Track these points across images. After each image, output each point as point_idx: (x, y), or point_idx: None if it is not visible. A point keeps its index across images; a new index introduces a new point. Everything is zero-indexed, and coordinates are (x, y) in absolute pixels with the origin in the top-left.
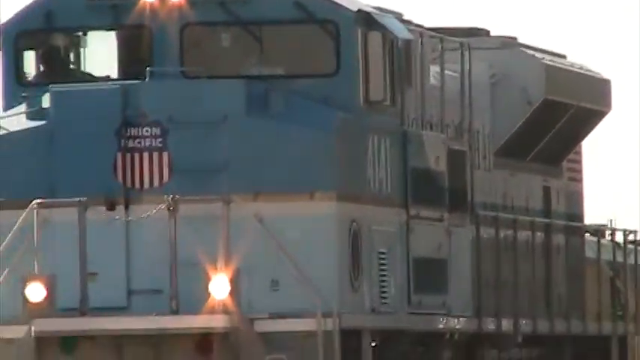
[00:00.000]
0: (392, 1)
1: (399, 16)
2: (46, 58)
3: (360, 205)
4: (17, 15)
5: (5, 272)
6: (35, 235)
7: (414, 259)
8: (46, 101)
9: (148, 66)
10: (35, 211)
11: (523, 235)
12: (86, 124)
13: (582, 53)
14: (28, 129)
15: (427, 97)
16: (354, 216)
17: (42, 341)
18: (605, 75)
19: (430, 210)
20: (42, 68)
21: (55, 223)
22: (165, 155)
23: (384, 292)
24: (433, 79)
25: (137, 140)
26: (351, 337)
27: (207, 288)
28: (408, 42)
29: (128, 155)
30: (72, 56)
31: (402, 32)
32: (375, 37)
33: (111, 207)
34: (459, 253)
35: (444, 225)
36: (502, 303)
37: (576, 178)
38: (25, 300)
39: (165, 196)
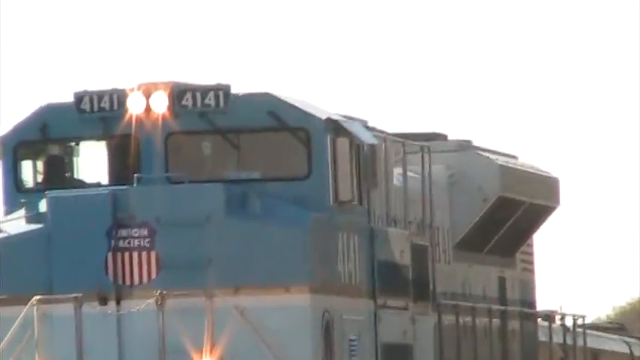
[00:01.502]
0: (357, 109)
1: (364, 123)
2: (42, 166)
3: (332, 296)
4: (15, 127)
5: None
6: (35, 329)
7: (381, 344)
8: (43, 206)
9: (136, 172)
10: (35, 306)
11: (481, 321)
12: (80, 226)
13: (532, 154)
14: (27, 232)
15: (391, 196)
16: (327, 306)
17: None
18: (554, 173)
19: (396, 299)
20: (38, 176)
21: (54, 317)
22: (153, 254)
23: None
24: (396, 180)
25: (127, 240)
26: None
27: None
28: (373, 146)
29: (118, 254)
30: (66, 164)
31: (367, 138)
32: (343, 143)
33: (103, 302)
34: (422, 338)
35: (409, 313)
36: None
37: (529, 268)
38: None
39: (154, 291)
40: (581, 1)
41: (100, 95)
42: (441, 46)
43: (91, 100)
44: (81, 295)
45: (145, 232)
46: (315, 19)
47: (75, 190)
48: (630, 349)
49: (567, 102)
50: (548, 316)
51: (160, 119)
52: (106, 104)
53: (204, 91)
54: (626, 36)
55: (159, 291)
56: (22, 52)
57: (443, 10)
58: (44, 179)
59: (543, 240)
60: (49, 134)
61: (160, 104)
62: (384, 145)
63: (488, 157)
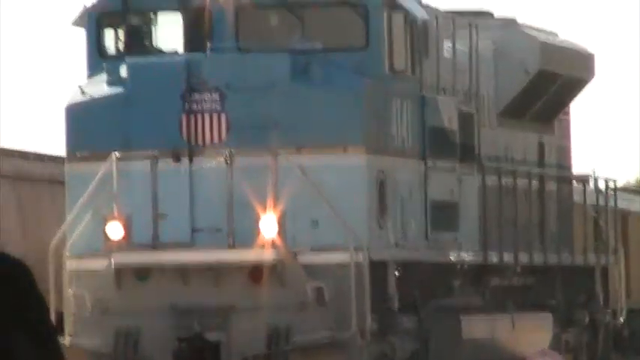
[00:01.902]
0: None
1: (418, 0)
2: (123, 35)
3: (386, 157)
4: (98, 0)
5: (89, 215)
6: (114, 183)
7: (430, 202)
8: (123, 71)
9: (208, 41)
10: (114, 162)
11: (521, 182)
12: (157, 90)
13: (570, 31)
14: (108, 95)
15: (441, 67)
16: (381, 166)
17: (120, 272)
18: (589, 49)
19: (444, 161)
20: (120, 44)
21: (131, 173)
22: (223, 116)
23: (405, 230)
24: (446, 53)
25: (199, 103)
26: (378, 268)
27: (258, 226)
28: (425, 21)
29: (192, 116)
30: (145, 33)
31: (420, 13)
32: (398, 17)
33: (177, 159)
34: (467, 197)
35: (456, 174)
36: (504, 239)
37: (565, 135)
38: (106, 237)
39: (224, 150)
40: None
41: None
42: None
43: None
44: (157, 152)
45: (216, 95)
46: None
47: (153, 56)
48: None
49: None
50: (583, 180)
51: None
52: None
53: None
54: None
55: (228, 150)
56: None
57: None
58: (125, 46)
59: (580, 109)
60: (131, 5)
61: None
62: (435, 21)
63: (530, 34)
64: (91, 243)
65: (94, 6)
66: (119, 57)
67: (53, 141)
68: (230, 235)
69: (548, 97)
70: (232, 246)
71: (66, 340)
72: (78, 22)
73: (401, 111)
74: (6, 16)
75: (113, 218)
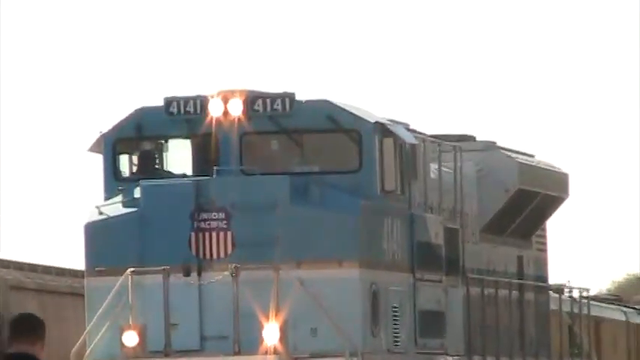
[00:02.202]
0: (400, 113)
1: (406, 126)
2: (137, 160)
3: (378, 270)
4: (114, 127)
5: (107, 325)
6: (130, 295)
7: (419, 311)
8: (137, 193)
9: (215, 165)
10: (130, 276)
11: (502, 292)
12: (168, 210)
13: (547, 153)
14: (124, 214)
15: (428, 187)
16: (374, 279)
17: None
18: (564, 169)
19: (431, 274)
20: (134, 167)
21: (145, 286)
22: (229, 234)
23: (396, 337)
24: (433, 174)
25: (207, 222)
26: None
27: (262, 335)
28: (413, 146)
29: (200, 234)
30: (157, 158)
31: (409, 138)
32: (389, 142)
33: (187, 273)
34: (453, 306)
35: (442, 285)
36: (487, 345)
37: (542, 248)
38: (123, 345)
39: (229, 264)
40: (590, 3)
41: (186, 100)
42: (469, 60)
43: (178, 105)
44: (168, 267)
45: (222, 215)
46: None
47: (164, 179)
48: (626, 317)
49: (576, 111)
50: (558, 289)
51: (236, 121)
52: (190, 108)
53: (273, 98)
54: (620, 38)
55: (234, 265)
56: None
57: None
58: (138, 170)
59: (555, 225)
60: (143, 132)
61: (236, 109)
62: (422, 145)
63: (509, 156)
64: (109, 350)
65: (109, 132)
66: (133, 180)
67: (71, 257)
68: (236, 342)
69: (527, 214)
70: (238, 352)
71: None
72: (93, 148)
73: (391, 228)
74: (21, 139)
75: (129, 327)
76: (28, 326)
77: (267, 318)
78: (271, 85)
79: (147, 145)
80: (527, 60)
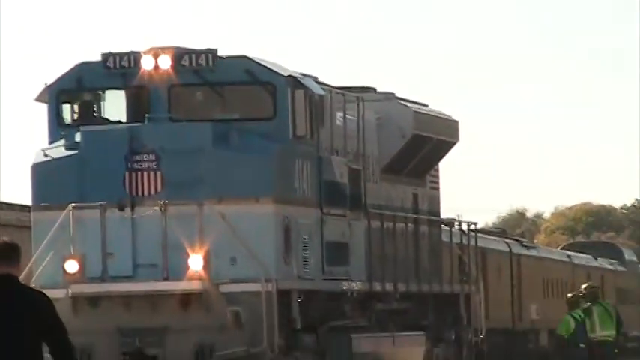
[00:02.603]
0: (310, 67)
1: (315, 79)
2: (77, 108)
3: (290, 206)
4: (58, 79)
5: (51, 254)
6: (71, 228)
7: (326, 242)
8: (78, 138)
9: (147, 114)
10: (71, 211)
11: (399, 226)
12: (105, 152)
13: (438, 102)
14: (66, 156)
15: (335, 133)
16: (286, 214)
17: (76, 300)
18: (455, 117)
19: (337, 209)
20: (75, 116)
21: (84, 220)
22: (159, 174)
23: (306, 264)
24: (338, 122)
25: (139, 163)
26: (284, 296)
27: (188, 263)
28: (321, 96)
29: (133, 174)
30: (95, 107)
31: (317, 90)
32: (300, 94)
33: (122, 209)
34: (356, 238)
35: (346, 219)
36: (386, 272)
37: (436, 187)
38: (65, 272)
39: (159, 201)
40: None
41: (121, 56)
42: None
43: (114, 60)
44: (105, 203)
45: (152, 157)
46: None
47: (102, 126)
48: (509, 248)
49: (465, 64)
50: (449, 223)
51: (165, 75)
52: (125, 63)
53: (198, 54)
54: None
55: (163, 201)
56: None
57: None
58: (79, 118)
59: (447, 167)
60: (83, 84)
61: (165, 63)
62: (329, 96)
63: (406, 105)
64: (53, 277)
65: (53, 84)
66: (74, 126)
67: (19, 194)
68: (165, 269)
69: (421, 156)
70: (167, 278)
71: None
72: (39, 98)
73: (302, 169)
74: None
75: (70, 256)
76: (7, 251)
77: (193, 248)
78: (194, 43)
79: (86, 96)
80: (421, 19)
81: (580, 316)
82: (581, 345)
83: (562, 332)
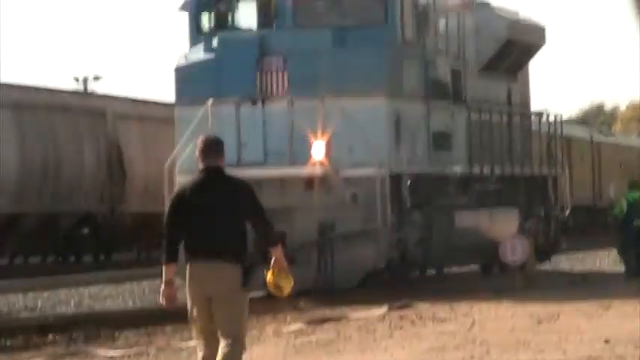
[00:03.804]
0: None
1: None
2: (214, 17)
3: (400, 100)
4: None
5: (192, 144)
6: (209, 120)
7: (432, 132)
8: (214, 42)
9: (275, 21)
10: (210, 106)
11: (495, 117)
12: (238, 55)
13: (528, 9)
14: (204, 59)
15: (439, 37)
16: (397, 107)
17: None
18: (541, 23)
19: (441, 103)
20: (212, 23)
21: (221, 114)
22: (285, 74)
23: (414, 151)
24: (441, 27)
25: (268, 65)
26: (395, 179)
27: (311, 150)
28: (426, 5)
29: (264, 74)
30: (229, 16)
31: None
32: (408, 2)
33: (254, 104)
34: (458, 128)
35: (449, 112)
36: (484, 157)
37: (526, 83)
38: None
39: (286, 97)
40: None
41: None
42: None
43: None
44: (239, 99)
45: (280, 59)
46: None
47: (235, 32)
48: (590, 135)
49: None
50: (538, 114)
51: None
52: None
53: None
54: None
55: (289, 97)
56: None
57: None
58: (215, 25)
59: (536, 65)
60: None
61: None
62: (434, 5)
63: (499, 14)
64: (193, 164)
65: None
66: (211, 33)
67: (165, 92)
68: (291, 156)
69: (513, 57)
70: (293, 164)
71: None
72: (183, 7)
73: (410, 68)
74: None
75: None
76: (217, 145)
77: (315, 138)
78: None
79: (222, 6)
80: None
81: (634, 198)
82: (635, 222)
83: (616, 213)
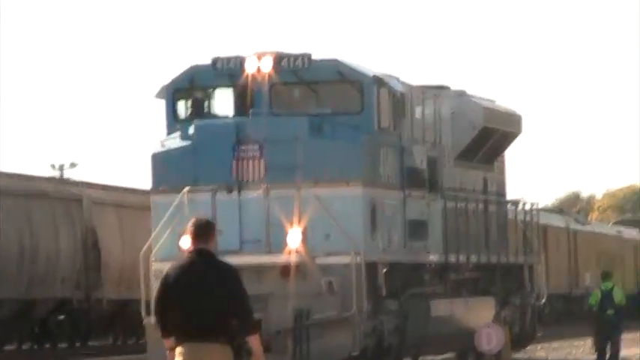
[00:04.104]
0: (393, 68)
1: (397, 78)
2: (190, 104)
3: (376, 189)
4: (173, 80)
5: (168, 231)
6: (186, 208)
7: (407, 220)
8: (191, 130)
9: (251, 109)
10: (186, 194)
11: (471, 205)
12: (215, 143)
13: (504, 98)
14: (181, 146)
15: (414, 125)
16: (373, 195)
17: None
18: (518, 112)
19: (417, 191)
20: (188, 111)
21: (197, 201)
22: (262, 161)
23: (390, 240)
24: (417, 115)
25: (245, 152)
26: (371, 267)
27: (287, 239)
28: (402, 94)
29: (240, 161)
30: (206, 103)
31: (399, 88)
32: (384, 91)
33: (230, 192)
34: (434, 217)
35: (425, 200)
36: (459, 245)
37: (502, 172)
38: (180, 247)
39: (262, 185)
40: None
41: (229, 59)
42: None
43: (222, 63)
44: (216, 187)
45: (256, 147)
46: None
47: (212, 119)
48: (567, 224)
49: (530, 63)
50: (514, 203)
51: (267, 75)
52: (232, 65)
53: (295, 57)
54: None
55: (266, 185)
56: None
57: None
58: (192, 113)
59: (512, 154)
60: (196, 84)
61: (267, 66)
62: (410, 93)
63: (476, 101)
64: (170, 251)
65: (169, 84)
66: (188, 120)
67: (141, 180)
68: (267, 244)
69: (490, 145)
70: (269, 252)
71: (152, 319)
72: (158, 95)
73: (386, 156)
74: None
75: (185, 233)
76: (206, 229)
77: (291, 226)
78: (292, 47)
79: (198, 94)
80: (489, 26)
81: (607, 287)
82: (608, 312)
83: (592, 302)
